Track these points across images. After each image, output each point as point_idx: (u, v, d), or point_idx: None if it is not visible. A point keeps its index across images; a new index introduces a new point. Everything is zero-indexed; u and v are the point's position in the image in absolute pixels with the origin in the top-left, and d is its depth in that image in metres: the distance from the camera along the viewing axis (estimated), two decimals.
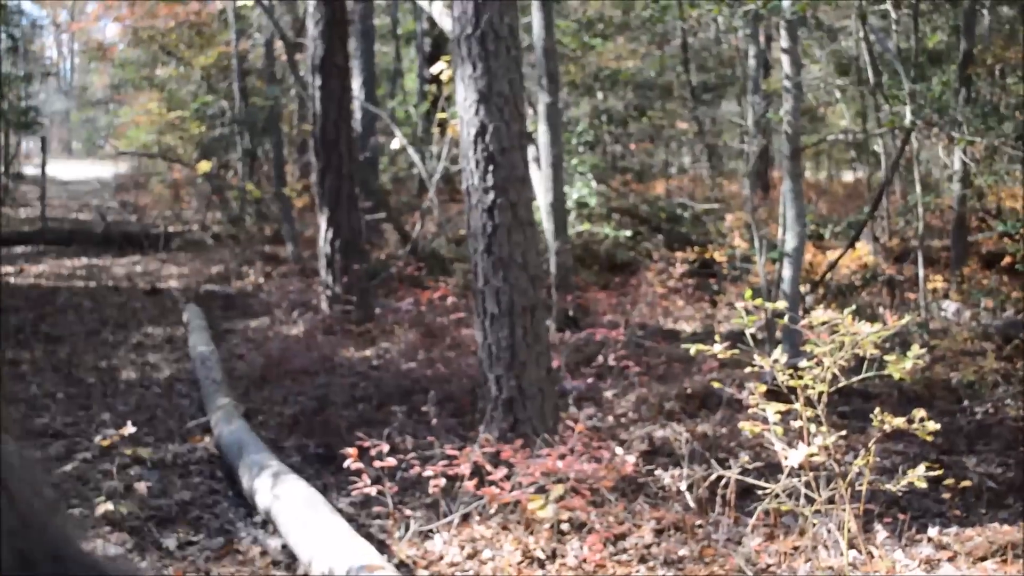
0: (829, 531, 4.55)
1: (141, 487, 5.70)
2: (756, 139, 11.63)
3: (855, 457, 4.44)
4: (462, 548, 4.90)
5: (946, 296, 10.64)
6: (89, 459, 6.15)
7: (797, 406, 4.18)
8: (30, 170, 23.93)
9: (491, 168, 5.48)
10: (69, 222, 19.44)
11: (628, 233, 12.43)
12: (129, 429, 5.68)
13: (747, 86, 16.11)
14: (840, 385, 4.18)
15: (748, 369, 4.52)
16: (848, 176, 19.48)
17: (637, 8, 16.72)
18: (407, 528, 5.09)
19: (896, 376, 4.22)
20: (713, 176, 17.31)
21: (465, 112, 5.55)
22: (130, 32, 20.17)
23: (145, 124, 20.82)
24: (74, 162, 32.68)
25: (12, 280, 14.04)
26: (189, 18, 18.65)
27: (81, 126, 41.24)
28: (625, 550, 4.72)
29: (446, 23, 10.86)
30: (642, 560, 4.61)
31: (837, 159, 20.74)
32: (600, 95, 16.13)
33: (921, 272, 9.60)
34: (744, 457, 4.77)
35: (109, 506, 5.27)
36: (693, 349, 4.56)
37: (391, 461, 5.13)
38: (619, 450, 5.25)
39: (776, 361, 4.20)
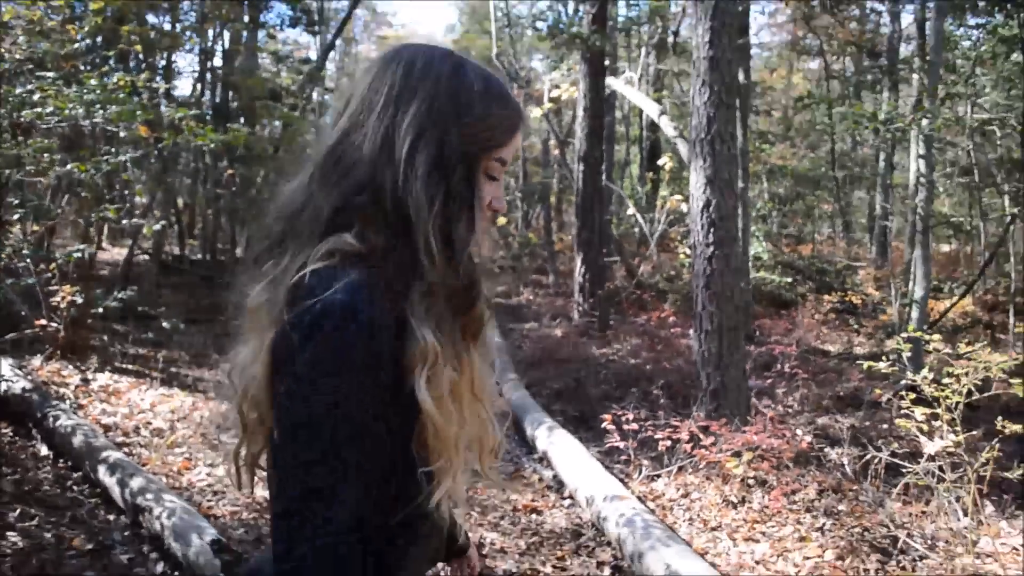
0: (950, 503, 4.25)
1: None
2: (886, 219, 11.02)
3: (975, 454, 4.15)
4: (678, 490, 4.85)
5: None
6: None
7: (939, 410, 3.96)
8: None
9: (712, 230, 5.42)
10: None
11: (788, 280, 12.08)
12: None
13: (877, 181, 15.49)
14: (974, 398, 3.93)
15: (886, 381, 4.29)
16: (944, 247, 18.05)
17: (795, 123, 16.37)
18: (640, 472, 5.09)
19: (1021, 393, 3.94)
20: (847, 243, 16.77)
21: (696, 191, 5.52)
22: None
23: None
24: None
25: None
26: None
27: None
28: (796, 502, 4.55)
29: (669, 130, 10.80)
30: (808, 510, 4.43)
31: (938, 235, 19.56)
32: (765, 183, 15.80)
33: (1012, 318, 8.93)
34: (894, 444, 4.52)
35: None
36: (866, 365, 4.37)
37: (634, 425, 5.15)
38: (799, 431, 5.08)
39: (924, 377, 3.99)
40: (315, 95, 17.25)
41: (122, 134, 6.85)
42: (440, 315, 1.04)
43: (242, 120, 12.44)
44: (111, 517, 4.10)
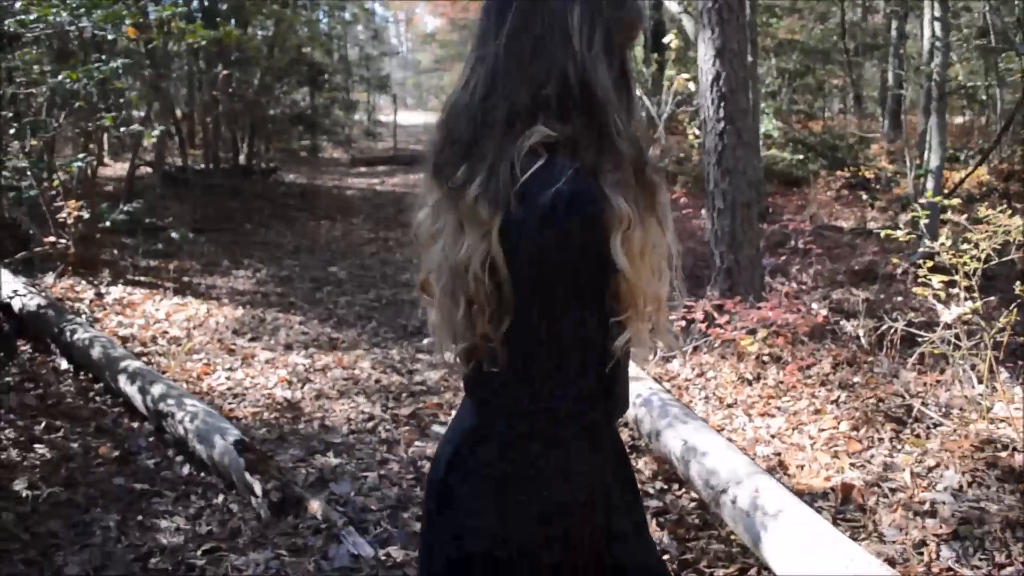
0: (965, 370, 4.24)
1: None
2: (900, 88, 10.71)
3: (992, 321, 4.10)
4: (693, 369, 4.87)
5: None
6: None
7: (957, 277, 3.90)
8: (382, 118, 25.05)
9: (722, 104, 5.24)
10: (409, 151, 20.12)
11: (800, 157, 11.85)
12: None
13: (889, 51, 15.01)
14: (993, 263, 3.87)
15: (901, 253, 4.22)
16: (958, 119, 17.58)
17: None
18: (655, 354, 5.10)
19: None
20: (859, 117, 16.38)
21: (704, 64, 5.32)
22: (448, 22, 20.34)
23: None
24: (409, 112, 33.54)
25: (377, 188, 14.73)
26: None
27: (414, 88, 42.31)
28: (810, 376, 4.56)
29: (674, 5, 10.44)
30: (823, 384, 4.44)
31: (952, 106, 19.01)
32: (773, 59, 15.32)
33: None
34: (910, 315, 4.49)
35: None
36: (883, 233, 4.29)
37: None
38: (815, 305, 5.04)
39: (942, 244, 3.92)
40: None
41: (110, 36, 6.65)
42: (627, 184, 1.19)
43: (233, 21, 12.07)
44: (135, 424, 4.17)
